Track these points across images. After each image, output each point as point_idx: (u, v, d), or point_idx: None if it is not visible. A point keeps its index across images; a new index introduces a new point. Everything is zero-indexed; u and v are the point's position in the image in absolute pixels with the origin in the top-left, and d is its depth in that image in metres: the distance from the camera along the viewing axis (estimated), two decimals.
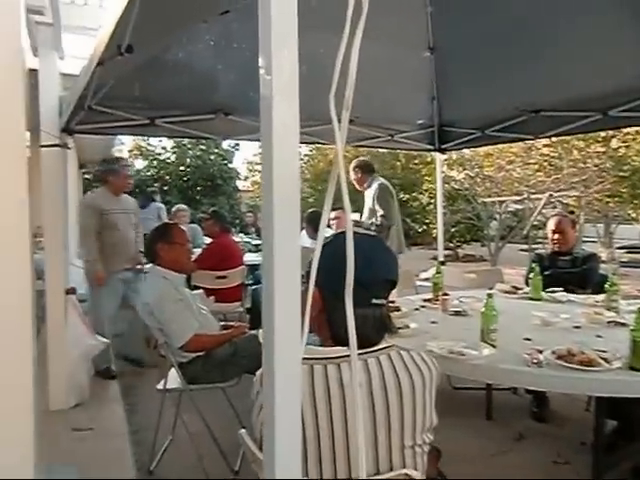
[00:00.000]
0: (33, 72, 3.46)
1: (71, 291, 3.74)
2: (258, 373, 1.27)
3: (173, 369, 2.82)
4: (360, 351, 1.20)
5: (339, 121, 0.75)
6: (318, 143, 4.68)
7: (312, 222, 4.52)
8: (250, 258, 5.71)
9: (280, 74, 0.65)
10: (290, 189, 0.68)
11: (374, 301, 1.26)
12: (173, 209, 6.72)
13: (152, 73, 3.27)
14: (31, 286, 1.38)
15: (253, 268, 5.73)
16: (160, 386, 2.85)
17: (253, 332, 2.94)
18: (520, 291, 3.58)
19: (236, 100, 3.74)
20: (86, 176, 11.56)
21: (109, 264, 4.21)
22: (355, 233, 0.93)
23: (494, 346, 2.21)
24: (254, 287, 5.00)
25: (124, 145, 13.10)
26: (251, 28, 2.42)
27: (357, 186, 5.09)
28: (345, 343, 1.25)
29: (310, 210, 4.87)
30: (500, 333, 2.28)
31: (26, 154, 1.28)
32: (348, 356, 1.23)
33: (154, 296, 2.73)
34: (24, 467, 1.29)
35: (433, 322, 2.82)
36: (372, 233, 1.38)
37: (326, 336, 1.27)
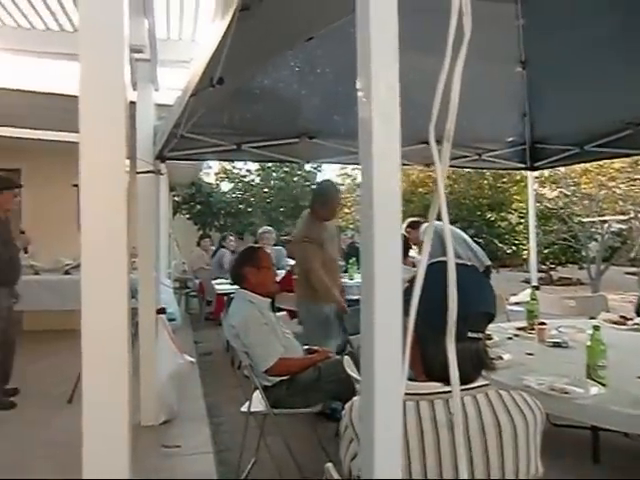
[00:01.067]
0: (132, 104, 3.70)
1: (161, 311, 3.89)
2: (347, 406, 1.22)
3: (257, 391, 2.83)
4: None
5: (440, 144, 0.70)
6: (402, 164, 4.61)
7: None
8: None
9: (379, 96, 0.61)
10: (391, 214, 0.64)
11: (470, 335, 1.17)
12: (259, 231, 6.87)
13: (239, 100, 3.39)
14: (128, 305, 1.44)
15: None
16: (245, 408, 2.87)
17: (337, 357, 2.89)
18: (630, 322, 3.25)
19: (320, 124, 3.78)
20: (175, 198, 12.19)
21: (319, 297, 3.80)
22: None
23: (603, 384, 2.00)
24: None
25: (211, 169, 13.72)
26: (334, 53, 2.42)
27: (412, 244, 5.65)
28: (439, 378, 1.17)
29: None
30: (610, 370, 2.06)
31: (126, 181, 1.34)
32: (442, 392, 1.15)
33: (240, 319, 2.77)
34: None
35: (529, 354, 2.62)
36: (468, 263, 1.29)
37: (419, 370, 1.21)
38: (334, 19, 1.96)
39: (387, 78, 0.61)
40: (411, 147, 3.60)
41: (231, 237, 8.51)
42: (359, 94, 0.63)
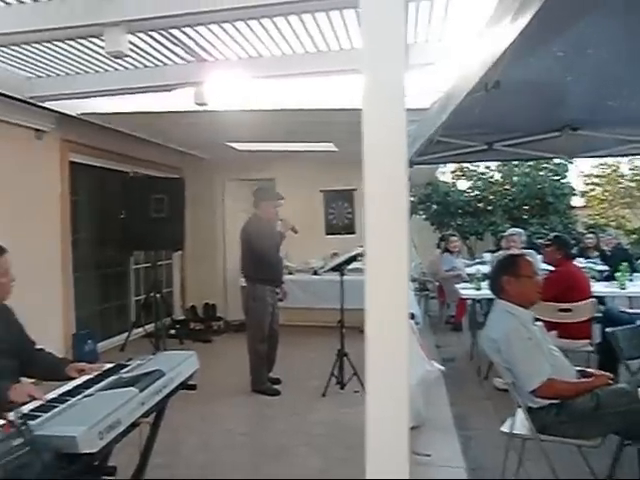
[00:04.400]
0: None
1: (410, 316, 3.89)
2: None
3: (519, 411, 2.59)
4: None
5: None
6: None
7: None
8: (597, 289, 4.95)
9: None
10: None
11: None
12: (505, 233, 6.40)
13: (491, 96, 3.16)
14: (407, 306, 1.48)
15: (599, 300, 4.95)
16: (505, 428, 2.65)
17: (622, 385, 2.46)
18: None
19: (588, 113, 3.29)
20: (411, 199, 12.22)
21: None
22: None
23: None
24: (610, 330, 3.91)
25: (446, 167, 13.45)
26: (610, 29, 2.01)
27: None
28: None
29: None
30: None
31: (407, 186, 1.33)
32: None
33: (501, 333, 2.57)
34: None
35: None
36: None
37: None
38: None
39: None
40: None
41: (454, 237, 8.03)
42: None
